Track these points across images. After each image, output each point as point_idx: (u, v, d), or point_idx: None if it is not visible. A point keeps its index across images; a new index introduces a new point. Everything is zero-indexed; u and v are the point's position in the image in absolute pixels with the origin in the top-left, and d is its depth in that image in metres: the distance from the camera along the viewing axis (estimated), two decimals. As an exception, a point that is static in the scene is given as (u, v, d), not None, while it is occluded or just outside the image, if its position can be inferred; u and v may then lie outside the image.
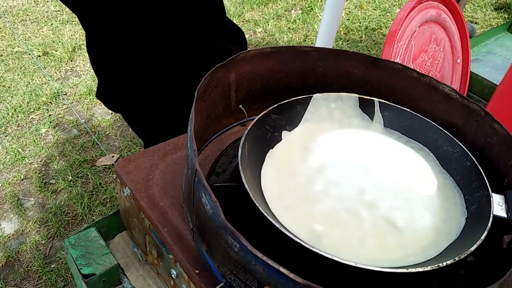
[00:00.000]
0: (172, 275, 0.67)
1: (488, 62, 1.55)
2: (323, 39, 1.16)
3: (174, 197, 0.69)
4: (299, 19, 3.04)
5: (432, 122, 0.77)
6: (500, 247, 0.67)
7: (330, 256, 0.54)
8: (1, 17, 2.90)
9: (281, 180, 0.71)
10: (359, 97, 0.81)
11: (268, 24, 2.98)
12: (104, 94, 1.35)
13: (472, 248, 0.57)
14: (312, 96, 0.80)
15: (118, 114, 2.31)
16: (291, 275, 0.45)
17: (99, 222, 0.75)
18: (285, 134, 0.78)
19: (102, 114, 2.36)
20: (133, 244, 0.77)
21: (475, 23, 3.05)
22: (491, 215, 0.62)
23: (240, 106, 0.81)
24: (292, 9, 3.17)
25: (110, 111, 2.34)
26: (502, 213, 0.63)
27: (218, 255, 0.55)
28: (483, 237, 0.58)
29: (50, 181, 2.04)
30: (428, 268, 0.54)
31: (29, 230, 1.83)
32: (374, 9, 3.20)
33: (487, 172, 0.71)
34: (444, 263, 0.55)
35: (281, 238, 0.58)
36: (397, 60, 1.12)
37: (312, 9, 3.15)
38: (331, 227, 0.65)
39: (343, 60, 0.83)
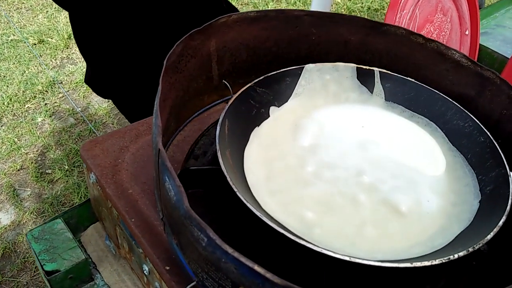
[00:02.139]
0: (145, 271, 0.59)
1: (497, 36, 1.44)
2: (319, 2, 1.05)
3: (146, 183, 0.61)
4: (299, 1, 2.95)
5: (440, 93, 0.67)
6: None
7: (319, 249, 0.46)
8: (-5, 5, 2.84)
9: (268, 162, 0.62)
10: (357, 67, 0.71)
11: (268, 7, 2.89)
12: (92, 79, 1.31)
13: (489, 237, 0.48)
14: (304, 67, 0.71)
15: (115, 101, 2.25)
16: (268, 275, 0.37)
17: (68, 213, 0.67)
18: (273, 110, 0.69)
19: (99, 102, 2.30)
20: (105, 236, 0.69)
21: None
22: (510, 197, 0.53)
23: (224, 80, 0.73)
24: (293, -10, 3.06)
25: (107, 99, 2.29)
26: (523, 195, 0.54)
27: (187, 249, 0.46)
28: (501, 223, 0.50)
29: (47, 171, 2.01)
30: (437, 262, 0.45)
31: (26, 221, 1.80)
32: (376, -11, 3.09)
33: (504, 148, 0.62)
34: (456, 255, 0.46)
35: (264, 229, 0.49)
36: (401, 30, 1.02)
37: (314, -11, 3.04)
38: (324, 214, 0.56)
39: (339, 26, 0.73)
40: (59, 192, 1.88)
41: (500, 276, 0.55)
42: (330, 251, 0.45)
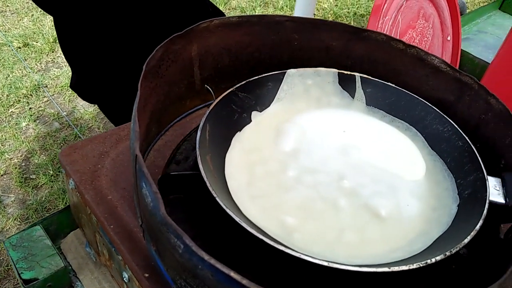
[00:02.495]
0: (124, 279, 0.58)
1: (479, 41, 1.46)
2: (302, 8, 1.05)
3: (126, 189, 0.60)
4: (286, 6, 2.96)
5: (420, 98, 0.68)
6: (497, 237, 0.59)
7: (297, 255, 0.45)
8: (-21, 8, 2.80)
9: (250, 167, 0.62)
10: (338, 72, 0.72)
11: (255, 11, 2.90)
12: (77, 84, 1.30)
13: (466, 241, 0.48)
14: (286, 72, 0.71)
15: (100, 105, 2.23)
16: (244, 281, 0.37)
17: (47, 219, 0.66)
18: (255, 115, 0.69)
19: (85, 106, 2.28)
20: (86, 243, 0.68)
21: (466, 2, 2.96)
22: (487, 201, 0.53)
23: (206, 85, 0.72)
24: (280, -6, 3.08)
25: (93, 102, 2.27)
26: (500, 199, 0.55)
27: (165, 256, 0.46)
28: (478, 227, 0.50)
29: (31, 176, 1.98)
30: (414, 266, 0.46)
31: (9, 228, 1.77)
32: (363, -6, 3.12)
33: (482, 153, 0.63)
34: (433, 259, 0.46)
35: (244, 234, 0.49)
36: (384, 36, 1.03)
37: (301, -7, 3.05)
38: (305, 219, 0.56)
39: (321, 32, 0.74)
40: (43, 197, 1.85)
41: (478, 279, 0.55)
42: (308, 256, 0.45)
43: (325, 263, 0.45)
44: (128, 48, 1.14)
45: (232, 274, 0.37)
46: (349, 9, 2.96)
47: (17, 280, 1.59)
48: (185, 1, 1.12)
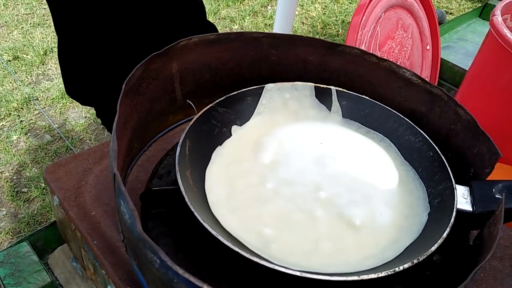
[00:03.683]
0: (109, 292, 0.60)
1: (459, 49, 1.49)
2: (280, 25, 1.09)
3: (109, 204, 0.62)
4: (275, 15, 2.99)
5: (393, 110, 0.71)
6: (467, 243, 0.61)
7: (271, 266, 0.48)
8: (-32, 22, 2.81)
9: (229, 180, 0.64)
10: (315, 86, 0.74)
11: (245, 21, 2.92)
12: (73, 90, 1.33)
13: (433, 249, 0.51)
14: (264, 87, 0.73)
15: (92, 118, 2.25)
16: (216, 292, 0.39)
17: (34, 235, 0.68)
18: (235, 129, 0.71)
19: (76, 119, 2.29)
20: (72, 257, 0.70)
21: (450, 13, 3.01)
22: (455, 209, 0.56)
23: (188, 100, 0.75)
24: (268, 5, 3.11)
25: (84, 114, 2.28)
26: (467, 207, 0.57)
27: (145, 270, 0.48)
28: (444, 235, 0.52)
29: (22, 190, 1.97)
30: (383, 274, 0.48)
31: (1, 242, 1.77)
32: (350, 3, 3.16)
33: (452, 162, 0.65)
34: (401, 267, 0.49)
35: (222, 247, 0.51)
36: (362, 48, 1.06)
37: (290, 2, 3.09)
38: (282, 229, 0.58)
39: (297, 47, 0.76)
40: (35, 211, 1.85)
41: (449, 284, 0.57)
42: (282, 266, 0.47)
43: (298, 273, 0.47)
44: (126, 52, 1.17)
45: (205, 287, 0.39)
46: (337, 17, 2.99)
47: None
48: (185, 21, 1.15)
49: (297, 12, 3.02)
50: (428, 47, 1.33)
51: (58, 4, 1.13)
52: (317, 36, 2.80)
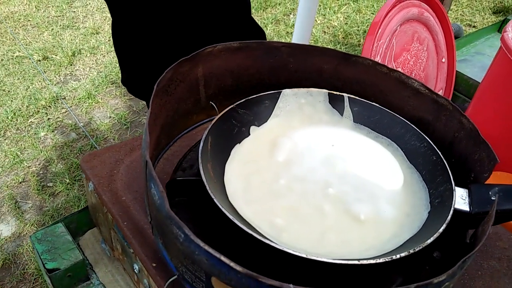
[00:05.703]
0: (135, 270, 0.66)
1: (476, 63, 1.52)
2: (299, 36, 1.16)
3: (138, 191, 0.69)
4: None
5: (401, 117, 0.76)
6: (464, 241, 0.66)
7: (280, 247, 0.53)
8: (2, 23, 2.94)
9: (246, 175, 0.71)
10: (328, 93, 0.80)
11: (267, 29, 2.98)
12: (127, 80, 1.41)
13: (428, 241, 0.56)
14: (281, 92, 0.79)
15: (116, 118, 2.32)
16: (232, 264, 0.45)
17: (68, 218, 0.75)
18: (253, 129, 0.78)
19: (101, 118, 2.37)
20: (101, 240, 0.77)
21: (473, 26, 3.03)
22: (452, 208, 0.61)
23: (211, 102, 0.81)
24: (290, 13, 3.17)
25: (108, 114, 2.37)
26: (465, 207, 0.62)
27: (170, 247, 0.54)
28: (441, 230, 0.58)
29: (48, 184, 2.04)
30: (380, 260, 0.53)
31: (26, 233, 1.84)
32: (372, 13, 3.19)
33: (455, 167, 0.70)
34: (398, 256, 0.54)
35: (238, 231, 0.57)
36: (377, 59, 1.11)
37: (311, 13, 3.15)
38: (292, 221, 0.64)
39: (313, 56, 0.82)
40: (59, 205, 1.92)
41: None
42: (290, 249, 0.53)
43: (304, 255, 0.52)
44: (176, 51, 1.25)
45: (222, 258, 0.45)
46: (358, 27, 3.03)
47: (33, 283, 1.66)
48: (232, 18, 1.22)
49: (318, 21, 3.08)
50: (443, 60, 1.37)
51: None
52: (338, 46, 2.84)
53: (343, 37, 2.95)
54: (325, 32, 3.02)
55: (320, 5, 3.24)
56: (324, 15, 3.16)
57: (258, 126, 0.78)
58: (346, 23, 3.07)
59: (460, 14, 3.18)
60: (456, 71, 1.43)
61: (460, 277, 0.68)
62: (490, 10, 3.24)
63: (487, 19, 3.11)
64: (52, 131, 2.28)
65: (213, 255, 0.45)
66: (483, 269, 0.69)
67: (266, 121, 0.79)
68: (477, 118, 1.13)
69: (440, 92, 1.43)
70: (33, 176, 2.05)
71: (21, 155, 2.14)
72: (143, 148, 0.56)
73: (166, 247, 0.56)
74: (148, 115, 0.60)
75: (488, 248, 0.73)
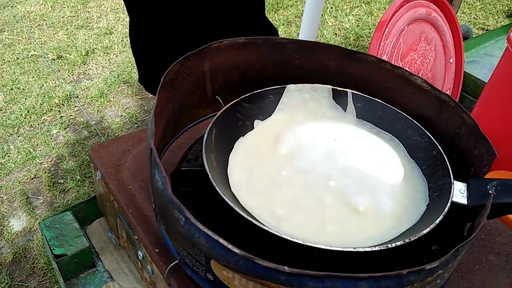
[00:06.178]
0: (139, 257, 0.68)
1: (485, 64, 1.52)
2: (305, 33, 1.17)
3: (144, 181, 0.71)
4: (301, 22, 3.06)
5: (403, 113, 0.77)
6: (462, 234, 0.67)
7: (278, 234, 0.55)
8: (19, 22, 3.00)
9: (249, 167, 0.72)
10: (332, 88, 0.82)
11: (279, 30, 3.00)
12: (145, 79, 1.43)
13: (424, 231, 0.57)
14: (286, 87, 0.81)
15: (127, 117, 2.35)
16: (230, 246, 0.47)
17: (76, 207, 0.77)
18: (257, 123, 0.79)
19: (112, 117, 2.40)
20: (108, 228, 0.79)
21: (486, 30, 3.01)
22: (450, 201, 0.62)
23: (217, 96, 0.83)
24: (302, 15, 3.17)
25: (120, 113, 2.40)
26: (463, 200, 0.63)
27: (171, 231, 0.56)
28: (437, 221, 0.59)
29: (59, 181, 2.06)
30: (376, 249, 0.55)
31: (37, 228, 1.86)
32: (384, 15, 3.17)
33: (456, 162, 0.71)
34: (393, 244, 0.55)
35: (238, 219, 0.59)
36: (384, 58, 1.12)
37: (322, 15, 3.16)
38: (293, 211, 0.66)
39: (318, 53, 0.84)
40: (70, 201, 1.94)
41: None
42: (287, 235, 0.55)
43: (301, 242, 0.54)
44: (192, 49, 1.29)
45: (221, 240, 0.47)
46: (370, 29, 3.02)
47: (42, 277, 1.68)
48: (246, 16, 1.24)
49: (330, 23, 3.09)
50: (451, 60, 1.38)
51: None
52: (349, 48, 2.84)
53: (354, 39, 2.96)
54: (336, 34, 3.03)
55: (332, 7, 3.25)
56: (335, 17, 3.16)
57: (262, 120, 0.80)
58: (358, 25, 3.07)
59: (474, 18, 3.17)
60: (464, 72, 1.43)
61: (458, 270, 0.69)
62: (504, 14, 3.22)
63: (500, 22, 3.09)
64: (65, 129, 2.31)
65: (212, 237, 0.47)
66: (482, 263, 0.70)
67: (270, 115, 0.81)
68: (483, 117, 1.13)
69: (448, 93, 1.43)
70: (45, 172, 2.07)
71: (33, 152, 2.17)
72: (149, 136, 0.58)
73: (168, 231, 0.58)
74: (154, 105, 0.62)
75: (488, 243, 0.73)
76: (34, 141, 2.20)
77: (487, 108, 1.11)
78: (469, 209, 0.63)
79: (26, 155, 2.12)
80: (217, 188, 0.59)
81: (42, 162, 2.11)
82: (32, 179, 2.03)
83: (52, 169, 2.10)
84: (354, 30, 3.01)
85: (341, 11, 3.22)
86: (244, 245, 0.62)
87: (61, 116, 2.35)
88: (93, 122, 2.33)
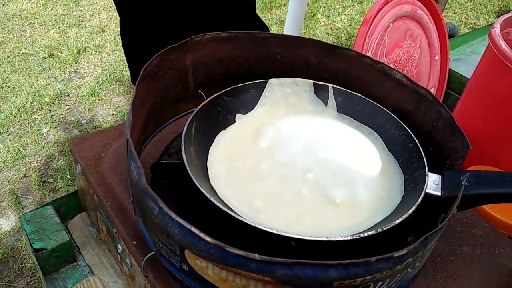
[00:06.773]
0: (118, 250, 0.69)
1: (471, 62, 1.53)
2: (290, 27, 1.18)
3: (123, 174, 0.71)
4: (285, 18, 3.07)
5: (382, 107, 0.78)
6: (436, 225, 0.68)
7: (253, 224, 0.56)
8: (10, 20, 2.99)
9: (229, 160, 0.73)
10: (314, 83, 0.82)
11: (271, 30, 3.00)
12: (137, 80, 1.44)
13: (397, 221, 0.58)
14: (268, 81, 0.82)
15: (119, 115, 2.35)
16: (201, 235, 0.47)
17: (57, 201, 0.78)
18: (239, 117, 0.80)
19: (103, 115, 2.40)
20: (89, 223, 0.79)
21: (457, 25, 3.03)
22: (423, 192, 0.63)
23: (200, 90, 0.84)
24: (294, 14, 3.18)
25: (111, 112, 2.40)
26: (437, 191, 0.64)
27: (147, 222, 0.57)
28: (410, 211, 0.59)
29: (49, 180, 2.05)
30: (348, 238, 0.55)
31: (25, 227, 1.86)
32: (376, 15, 3.19)
33: (433, 155, 0.72)
34: (366, 234, 0.56)
35: (215, 211, 0.59)
36: (369, 54, 1.13)
37: (314, 14, 3.18)
38: (270, 203, 0.66)
39: (301, 47, 0.84)
40: (59, 200, 1.95)
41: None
42: (262, 226, 0.55)
43: (275, 231, 0.55)
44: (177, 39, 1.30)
45: (193, 229, 0.47)
46: (361, 29, 3.04)
47: (31, 277, 1.68)
48: (237, 14, 1.24)
49: (322, 23, 3.10)
50: (436, 58, 1.39)
51: None
52: (340, 47, 2.86)
53: (346, 39, 2.97)
54: (328, 33, 3.04)
55: (324, 7, 3.26)
56: (328, 17, 3.18)
57: (244, 114, 0.81)
58: (350, 25, 3.08)
59: (465, 17, 3.19)
60: (450, 69, 1.45)
61: (433, 261, 0.70)
62: (494, 14, 3.24)
63: (491, 22, 3.11)
64: (55, 128, 2.30)
65: (184, 226, 0.48)
66: (457, 254, 0.71)
67: (252, 110, 0.81)
68: (465, 113, 1.15)
69: (433, 90, 1.45)
70: (35, 171, 2.06)
71: (23, 151, 2.16)
72: (126, 128, 0.59)
73: (145, 222, 0.58)
74: (132, 98, 0.62)
75: (463, 235, 0.74)
76: (24, 140, 2.19)
77: (469, 104, 1.12)
78: (443, 200, 0.64)
79: (16, 154, 2.11)
80: (194, 180, 0.60)
81: (32, 161, 2.11)
82: (21, 178, 2.03)
83: (42, 168, 2.09)
84: (346, 29, 3.03)
85: (334, 11, 3.24)
86: (222, 237, 0.63)
87: (52, 115, 2.35)
88: (84, 121, 2.32)
